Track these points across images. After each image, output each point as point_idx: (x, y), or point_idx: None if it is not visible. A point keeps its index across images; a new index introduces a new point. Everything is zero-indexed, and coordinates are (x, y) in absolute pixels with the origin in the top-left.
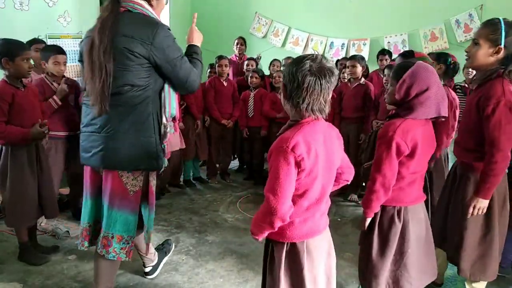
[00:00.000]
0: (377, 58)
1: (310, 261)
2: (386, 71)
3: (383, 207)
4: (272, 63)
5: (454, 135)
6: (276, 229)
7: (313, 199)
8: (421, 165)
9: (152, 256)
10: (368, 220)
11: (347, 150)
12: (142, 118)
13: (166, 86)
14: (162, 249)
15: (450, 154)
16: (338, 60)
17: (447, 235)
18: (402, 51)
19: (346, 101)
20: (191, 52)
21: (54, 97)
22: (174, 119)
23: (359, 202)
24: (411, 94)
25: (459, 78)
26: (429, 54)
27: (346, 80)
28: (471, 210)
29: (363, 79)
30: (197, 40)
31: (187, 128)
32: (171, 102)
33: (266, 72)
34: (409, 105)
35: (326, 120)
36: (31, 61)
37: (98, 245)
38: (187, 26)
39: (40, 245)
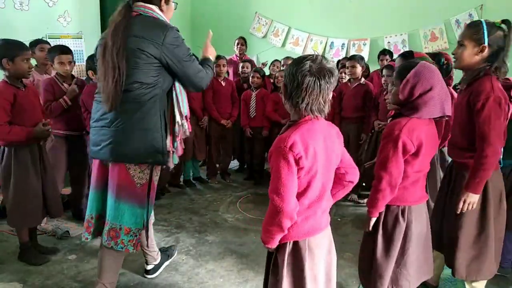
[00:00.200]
0: (378, 58)
1: (311, 258)
2: (384, 71)
3: (388, 207)
4: (272, 63)
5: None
6: (286, 231)
7: (313, 197)
8: (425, 164)
9: (156, 255)
10: (373, 220)
11: (347, 150)
12: (149, 114)
13: (178, 86)
14: (166, 252)
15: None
16: (339, 61)
17: (444, 237)
18: (402, 51)
19: (346, 101)
20: (205, 62)
21: (65, 97)
22: (186, 118)
23: (361, 202)
24: (415, 94)
25: (459, 78)
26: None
27: (344, 80)
28: (461, 205)
29: (363, 79)
30: (211, 54)
31: None
32: (183, 101)
33: (267, 72)
34: (413, 105)
35: (326, 120)
36: (33, 61)
37: (105, 238)
38: (187, 26)
39: (40, 245)
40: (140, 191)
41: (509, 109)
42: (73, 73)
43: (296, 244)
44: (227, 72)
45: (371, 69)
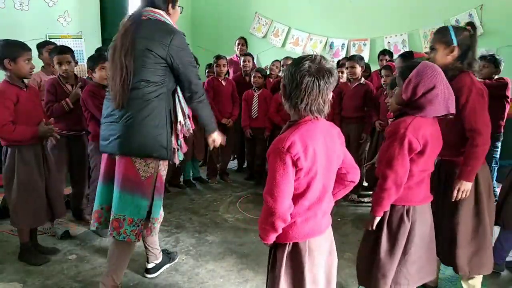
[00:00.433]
0: (378, 58)
1: (311, 260)
2: (383, 71)
3: (393, 206)
4: (272, 63)
5: None
6: (280, 231)
7: (314, 198)
8: (429, 164)
9: (157, 253)
10: (377, 219)
11: (347, 150)
12: (156, 111)
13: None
14: (168, 254)
15: None
16: (339, 61)
17: (440, 238)
18: (402, 51)
19: (346, 101)
20: (211, 121)
21: (67, 99)
22: (188, 116)
23: (362, 200)
24: (418, 93)
25: None
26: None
27: (342, 80)
28: (455, 193)
29: (363, 79)
30: (218, 137)
31: None
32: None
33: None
34: (417, 104)
35: (326, 120)
36: (39, 62)
37: (110, 228)
38: (187, 26)
39: (40, 245)
40: (145, 184)
41: (505, 108)
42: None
43: (296, 245)
44: (227, 72)
45: (372, 69)
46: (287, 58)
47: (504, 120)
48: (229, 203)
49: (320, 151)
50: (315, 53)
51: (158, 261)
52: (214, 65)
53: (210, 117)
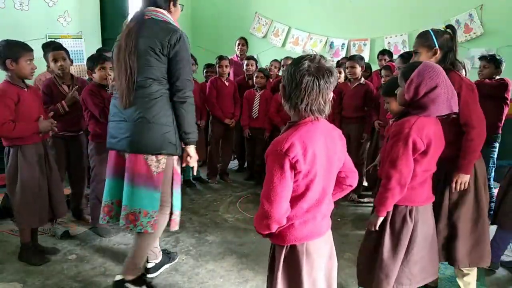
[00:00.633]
0: (377, 58)
1: (310, 264)
2: (383, 71)
3: (396, 207)
4: (271, 64)
5: None
6: (275, 231)
7: (313, 201)
8: (432, 164)
9: (157, 253)
10: (381, 219)
11: (347, 149)
12: (163, 109)
13: None
14: (168, 254)
15: None
16: (338, 61)
17: (439, 237)
18: (402, 51)
19: (347, 101)
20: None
21: (63, 102)
22: None
23: (362, 201)
24: (420, 93)
25: None
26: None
27: (340, 80)
28: (453, 185)
29: (363, 78)
30: (195, 154)
31: None
32: None
33: None
34: (420, 104)
35: (326, 120)
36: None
37: (123, 222)
38: (187, 26)
39: (40, 245)
40: (157, 178)
41: (503, 109)
42: (74, 72)
43: (293, 248)
44: (228, 73)
45: (372, 69)
46: (287, 58)
47: (502, 122)
48: (229, 203)
49: (320, 153)
50: (314, 53)
51: (157, 260)
52: (217, 65)
53: (191, 125)
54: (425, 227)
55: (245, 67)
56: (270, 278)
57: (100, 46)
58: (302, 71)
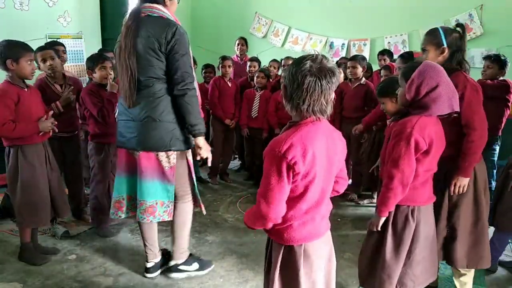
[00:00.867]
0: (377, 58)
1: (308, 265)
2: (382, 71)
3: (397, 207)
4: (270, 64)
5: None
6: (270, 227)
7: (312, 202)
8: (433, 164)
9: (157, 252)
10: (383, 219)
11: (348, 149)
12: (168, 107)
13: None
14: (168, 254)
15: None
16: (337, 61)
17: (438, 237)
18: (402, 51)
19: (347, 101)
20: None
21: (57, 103)
22: None
23: (360, 203)
24: (421, 93)
25: None
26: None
27: (340, 80)
28: (452, 188)
29: (363, 79)
30: (205, 145)
31: None
32: None
33: None
34: (421, 104)
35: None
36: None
37: (142, 216)
38: (187, 26)
39: (40, 245)
40: (169, 172)
41: (504, 112)
42: (73, 73)
43: (291, 248)
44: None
45: (372, 69)
46: (287, 58)
47: (503, 124)
48: (229, 203)
49: (320, 154)
50: (316, 53)
51: (157, 260)
52: (220, 65)
53: (196, 117)
54: (427, 227)
55: (248, 68)
56: (267, 279)
57: (100, 46)
58: (304, 72)
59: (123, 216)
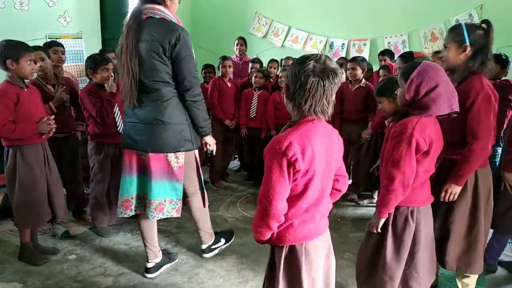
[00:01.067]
0: (378, 58)
1: (309, 263)
2: (381, 71)
3: (397, 208)
4: (269, 65)
5: None
6: (275, 229)
7: (311, 200)
8: (432, 164)
9: (157, 252)
10: (382, 221)
11: (347, 150)
12: (176, 110)
13: None
14: (168, 254)
15: None
16: (336, 61)
17: (436, 236)
18: (402, 51)
19: (348, 103)
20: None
21: (51, 103)
22: None
23: (359, 203)
24: (421, 93)
25: None
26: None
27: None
28: (443, 194)
29: (363, 80)
30: (212, 141)
31: None
32: None
33: None
34: (421, 104)
35: (327, 120)
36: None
37: (152, 214)
38: (187, 26)
39: (40, 245)
40: (178, 172)
41: (506, 113)
42: (73, 73)
43: (292, 248)
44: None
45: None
46: (287, 58)
47: (505, 125)
48: (229, 203)
49: (319, 152)
50: (320, 52)
51: (157, 260)
52: (220, 66)
53: (205, 119)
54: (427, 227)
55: (249, 69)
56: (271, 281)
57: (100, 46)
58: (307, 72)
59: (131, 213)
